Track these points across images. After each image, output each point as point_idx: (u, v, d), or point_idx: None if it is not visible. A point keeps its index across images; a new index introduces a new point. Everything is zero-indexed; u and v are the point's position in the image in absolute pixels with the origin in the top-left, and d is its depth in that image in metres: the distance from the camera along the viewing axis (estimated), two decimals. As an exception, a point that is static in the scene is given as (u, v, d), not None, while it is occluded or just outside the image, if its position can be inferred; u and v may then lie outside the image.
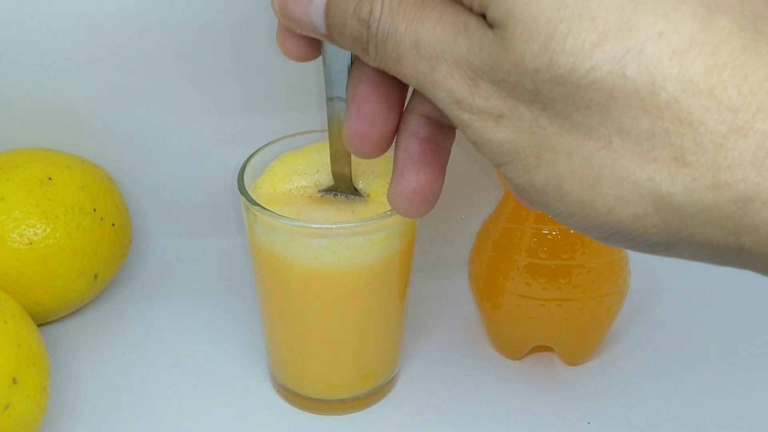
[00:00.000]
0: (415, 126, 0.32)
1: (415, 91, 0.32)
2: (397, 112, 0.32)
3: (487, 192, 0.59)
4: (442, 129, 0.32)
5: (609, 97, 0.25)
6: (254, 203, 0.44)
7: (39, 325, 0.50)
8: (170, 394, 0.51)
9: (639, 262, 0.52)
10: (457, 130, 0.32)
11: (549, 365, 0.53)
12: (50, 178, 0.52)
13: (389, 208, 0.44)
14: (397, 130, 0.33)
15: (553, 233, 0.48)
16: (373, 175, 0.46)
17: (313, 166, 0.47)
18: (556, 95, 0.25)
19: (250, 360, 0.53)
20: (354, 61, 0.32)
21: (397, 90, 0.32)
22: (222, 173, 0.59)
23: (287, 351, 0.49)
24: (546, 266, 0.48)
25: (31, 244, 0.50)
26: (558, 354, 0.52)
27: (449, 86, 0.27)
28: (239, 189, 0.45)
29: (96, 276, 0.54)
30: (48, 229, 0.51)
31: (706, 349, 0.54)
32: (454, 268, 0.58)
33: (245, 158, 0.47)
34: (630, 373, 0.52)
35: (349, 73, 0.34)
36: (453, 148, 0.33)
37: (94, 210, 0.53)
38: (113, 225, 0.54)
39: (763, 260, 0.25)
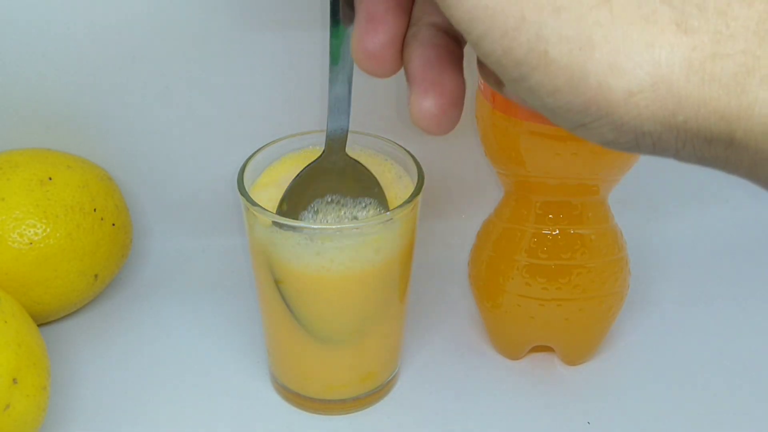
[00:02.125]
0: (425, 34, 0.29)
1: (418, 3, 0.30)
2: (406, 15, 0.29)
3: (487, 192, 0.59)
4: (452, 38, 0.30)
5: None
6: (254, 203, 0.44)
7: (39, 325, 0.50)
8: (170, 394, 0.51)
9: (639, 262, 0.53)
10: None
11: (549, 365, 0.53)
12: (50, 178, 0.52)
13: (390, 209, 0.44)
14: (404, 41, 0.29)
15: (554, 233, 0.48)
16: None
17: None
18: None
19: (250, 360, 0.53)
20: None
21: None
22: (222, 173, 0.59)
23: (287, 351, 0.49)
24: (546, 266, 0.48)
25: (31, 244, 0.50)
26: (558, 354, 0.52)
27: None
28: (239, 189, 0.45)
29: (96, 276, 0.54)
30: (48, 229, 0.51)
31: (705, 349, 0.54)
32: (454, 268, 0.58)
33: (245, 158, 0.47)
34: (630, 373, 0.52)
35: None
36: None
37: (94, 210, 0.53)
38: (113, 225, 0.54)
39: (751, 156, 0.24)
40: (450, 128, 0.29)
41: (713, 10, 0.23)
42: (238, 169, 0.46)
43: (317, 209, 0.45)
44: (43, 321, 0.54)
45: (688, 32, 0.23)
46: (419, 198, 0.45)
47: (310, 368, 0.49)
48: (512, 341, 0.52)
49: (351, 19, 0.31)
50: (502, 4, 0.24)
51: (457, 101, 0.29)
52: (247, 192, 0.45)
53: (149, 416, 0.49)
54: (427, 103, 0.28)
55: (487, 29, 0.24)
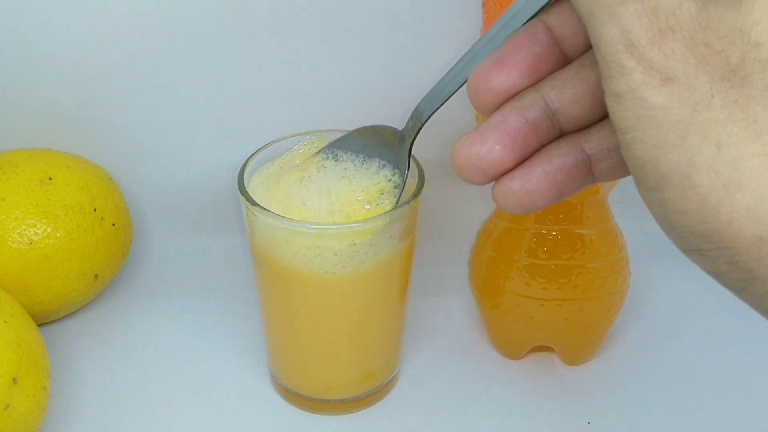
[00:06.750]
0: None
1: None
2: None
3: (487, 192, 0.59)
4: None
5: None
6: (254, 203, 0.44)
7: (39, 325, 0.50)
8: (170, 394, 0.51)
9: (639, 262, 0.53)
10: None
11: (549, 365, 0.53)
12: (50, 178, 0.52)
13: (389, 208, 0.44)
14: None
15: (553, 233, 0.48)
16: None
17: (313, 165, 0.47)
18: (757, 80, 0.23)
19: (250, 360, 0.53)
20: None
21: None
22: (222, 173, 0.59)
23: (287, 351, 0.49)
24: (546, 266, 0.48)
25: (31, 244, 0.50)
26: (558, 354, 0.52)
27: (629, 25, 0.24)
28: (239, 189, 0.45)
29: (96, 276, 0.54)
30: (48, 229, 0.51)
31: (705, 348, 0.54)
32: (454, 268, 0.58)
33: (245, 158, 0.47)
34: (630, 373, 0.52)
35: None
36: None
37: (94, 210, 0.53)
38: (113, 225, 0.54)
39: None
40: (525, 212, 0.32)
41: None
42: (238, 169, 0.46)
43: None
44: (43, 321, 0.54)
45: None
46: (419, 198, 0.45)
47: (310, 368, 0.49)
48: (512, 341, 0.52)
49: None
50: (671, 120, 0.24)
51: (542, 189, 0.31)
52: (247, 192, 0.45)
53: (149, 416, 0.49)
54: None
55: (645, 134, 0.24)
